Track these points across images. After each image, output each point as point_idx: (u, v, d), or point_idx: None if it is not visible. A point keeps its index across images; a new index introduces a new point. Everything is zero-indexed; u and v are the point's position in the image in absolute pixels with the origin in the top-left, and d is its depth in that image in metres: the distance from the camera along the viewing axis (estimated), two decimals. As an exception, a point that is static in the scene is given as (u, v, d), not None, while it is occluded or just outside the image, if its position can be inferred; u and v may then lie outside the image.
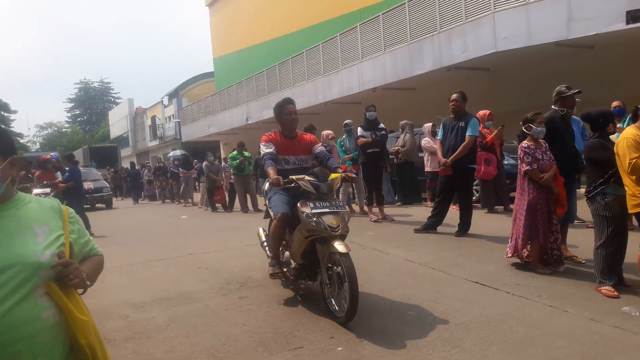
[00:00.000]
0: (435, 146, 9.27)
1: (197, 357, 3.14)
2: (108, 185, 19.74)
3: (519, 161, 4.53)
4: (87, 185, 16.12)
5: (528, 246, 4.61)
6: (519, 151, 4.53)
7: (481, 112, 8.06)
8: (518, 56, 11.45)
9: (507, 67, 12.62)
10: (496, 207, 8.23)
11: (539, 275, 4.38)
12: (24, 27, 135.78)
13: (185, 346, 3.33)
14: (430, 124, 9.67)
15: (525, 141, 4.56)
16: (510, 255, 4.69)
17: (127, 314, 4.12)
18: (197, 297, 4.48)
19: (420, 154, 10.08)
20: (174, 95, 37.40)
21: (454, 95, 6.38)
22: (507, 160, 8.84)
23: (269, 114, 20.47)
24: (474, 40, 11.72)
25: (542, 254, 4.60)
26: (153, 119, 39.67)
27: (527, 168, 4.43)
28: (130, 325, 3.82)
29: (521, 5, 10.60)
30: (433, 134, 9.60)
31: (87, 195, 15.62)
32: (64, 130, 62.07)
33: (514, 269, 4.66)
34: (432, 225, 6.66)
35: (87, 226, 10.37)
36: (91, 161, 30.68)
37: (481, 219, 7.35)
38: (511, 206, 8.16)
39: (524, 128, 4.54)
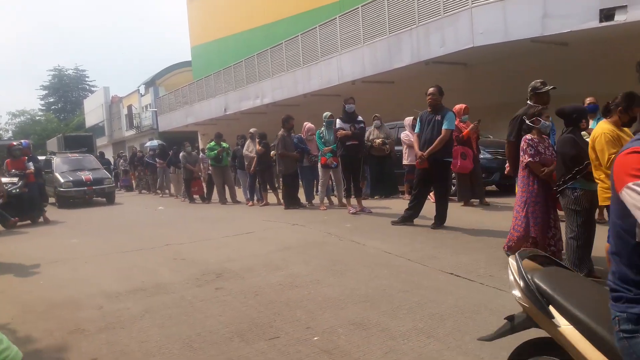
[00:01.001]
0: (411, 139, 9.40)
1: (172, 348, 3.13)
2: (110, 176, 16.57)
3: (521, 153, 4.45)
4: (85, 175, 14.60)
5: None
6: (522, 143, 4.45)
7: (457, 106, 8.15)
8: (495, 52, 11.57)
9: (484, 63, 12.75)
10: (472, 200, 8.35)
11: (512, 267, 4.46)
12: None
13: (160, 336, 3.31)
14: (411, 118, 9.75)
15: (529, 134, 4.54)
16: (506, 248, 4.65)
17: (101, 305, 4.07)
18: (172, 287, 4.45)
19: (398, 147, 10.18)
20: (150, 84, 36.77)
21: (431, 89, 6.43)
22: (483, 155, 8.98)
23: (248, 104, 20.52)
24: (451, 35, 11.80)
25: (538, 248, 4.45)
26: (129, 108, 38.97)
27: (529, 160, 4.36)
28: (105, 316, 3.78)
29: (498, 1, 10.71)
30: (414, 127, 9.70)
31: (86, 188, 14.28)
32: (37, 118, 60.49)
33: (488, 261, 4.74)
34: (409, 218, 6.73)
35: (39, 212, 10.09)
36: (66, 150, 30.02)
37: (457, 212, 7.45)
38: (487, 200, 8.36)
39: (530, 121, 4.50)
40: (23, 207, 9.75)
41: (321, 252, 5.59)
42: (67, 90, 63.91)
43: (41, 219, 10.33)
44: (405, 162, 9.65)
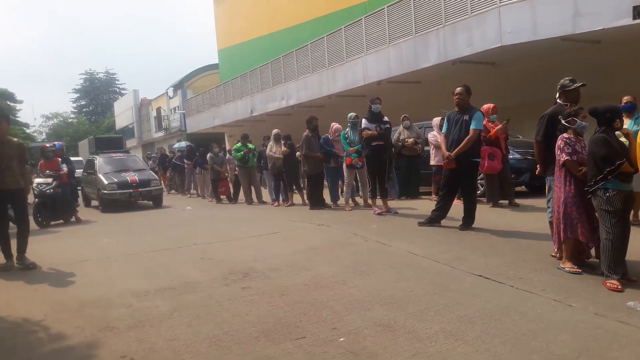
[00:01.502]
0: (438, 140, 9.30)
1: (199, 346, 3.16)
2: (157, 177, 15.03)
3: (558, 151, 4.32)
4: (130, 176, 13.29)
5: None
6: (559, 141, 4.33)
7: (485, 106, 8.03)
8: (523, 50, 11.37)
9: (513, 62, 12.53)
10: (501, 201, 8.21)
11: (543, 270, 4.37)
12: (31, 17, 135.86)
13: (188, 335, 3.35)
14: (439, 118, 9.66)
15: (566, 133, 4.43)
16: (557, 255, 4.54)
17: (131, 303, 4.14)
18: (200, 286, 4.50)
19: (425, 148, 10.11)
20: (178, 86, 37.36)
21: (458, 89, 6.34)
22: (512, 155, 8.82)
23: (273, 105, 20.64)
24: (479, 34, 11.65)
25: (578, 251, 4.39)
26: (158, 110, 39.68)
27: (566, 158, 4.23)
28: (134, 314, 3.84)
29: (527, -1, 10.52)
30: (441, 128, 9.61)
31: (132, 190, 12.95)
32: (69, 120, 62.12)
33: (518, 263, 4.65)
34: (435, 219, 6.65)
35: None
36: (97, 151, 30.73)
37: (485, 213, 7.33)
38: (516, 201, 8.21)
39: (566, 121, 4.37)
40: (56, 207, 10.02)
41: (346, 252, 5.57)
42: (98, 93, 65.47)
43: (73, 219, 10.58)
44: (432, 162, 9.59)
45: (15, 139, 5.97)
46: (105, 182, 12.92)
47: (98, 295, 4.47)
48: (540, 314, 3.38)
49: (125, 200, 13.03)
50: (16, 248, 5.80)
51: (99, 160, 14.13)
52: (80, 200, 13.56)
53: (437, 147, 9.27)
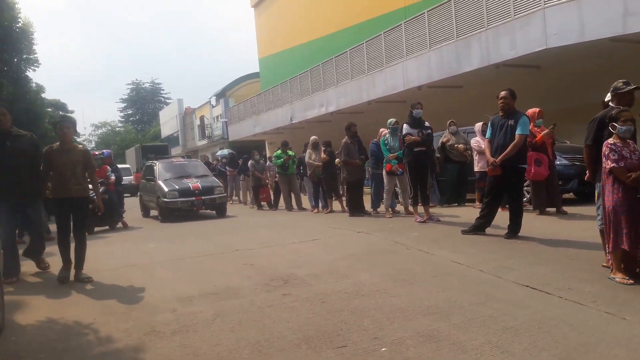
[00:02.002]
0: (482, 146, 9.11)
1: (242, 352, 3.18)
2: (221, 184, 13.71)
3: (604, 159, 4.17)
4: (193, 183, 12.28)
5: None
6: (604, 148, 4.17)
7: (531, 110, 7.79)
8: (570, 53, 11.01)
9: (558, 65, 12.15)
10: (547, 209, 7.94)
11: (594, 280, 4.19)
12: (81, 32, 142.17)
13: (230, 340, 3.38)
14: (481, 123, 9.48)
15: (611, 138, 4.26)
16: (608, 263, 4.32)
17: (175, 308, 4.23)
18: (242, 292, 4.55)
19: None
20: (221, 95, 38.17)
21: (503, 93, 6.19)
22: (560, 161, 8.54)
23: (313, 113, 20.76)
24: (523, 37, 11.37)
25: (628, 261, 4.18)
26: (202, 118, 40.63)
27: (612, 165, 4.06)
28: (179, 319, 3.92)
29: (573, 0, 10.19)
30: (484, 133, 9.41)
31: (194, 198, 11.94)
32: (117, 129, 64.48)
33: (566, 273, 4.47)
34: (480, 227, 6.49)
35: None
36: (143, 159, 31.71)
37: (532, 221, 7.11)
38: (564, 208, 7.92)
39: (610, 127, 4.19)
40: (103, 213, 10.32)
41: (387, 260, 5.52)
42: (144, 103, 67.74)
43: (120, 225, 10.92)
44: (476, 168, 9.38)
45: (80, 146, 6.00)
46: (166, 189, 11.90)
47: (144, 299, 4.59)
48: (592, 327, 3.23)
49: (187, 209, 12.08)
50: (74, 264, 5.52)
51: (158, 166, 13.14)
52: (136, 206, 13.84)
53: (481, 153, 9.10)
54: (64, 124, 5.58)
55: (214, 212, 12.84)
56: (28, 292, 5.19)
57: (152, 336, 3.59)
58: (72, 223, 5.51)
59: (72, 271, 5.55)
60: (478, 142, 9.22)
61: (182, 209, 12.03)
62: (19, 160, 5.45)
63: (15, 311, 4.46)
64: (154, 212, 13.32)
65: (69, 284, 5.45)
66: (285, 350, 3.18)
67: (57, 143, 5.56)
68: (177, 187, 12.03)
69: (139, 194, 14.73)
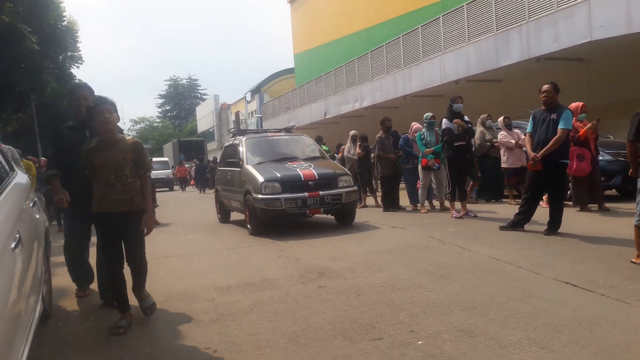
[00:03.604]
0: (511, 141, 8.92)
1: (278, 341, 3.24)
2: (347, 171, 8.50)
3: None
4: (303, 169, 7.67)
5: None
6: None
7: (574, 104, 7.56)
8: (616, 45, 10.64)
9: (603, 57, 11.76)
10: (590, 205, 7.71)
11: (637, 278, 4.05)
12: (125, 29, 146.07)
13: (267, 330, 3.44)
14: (502, 117, 9.29)
15: None
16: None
17: (213, 297, 4.33)
18: (278, 283, 4.62)
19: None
20: (256, 91, 38.64)
21: (546, 86, 6.03)
22: (603, 156, 8.27)
23: (347, 108, 20.76)
24: (566, 29, 11.04)
25: None
26: (237, 114, 41.23)
27: None
28: (217, 308, 4.02)
29: (621, -10, 9.84)
30: (508, 127, 9.21)
31: (307, 195, 7.18)
32: (155, 124, 66.05)
33: (609, 270, 4.35)
34: (519, 223, 6.36)
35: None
36: (180, 154, 32.45)
37: (573, 218, 6.92)
38: (606, 205, 7.67)
39: None
40: None
41: (423, 255, 5.48)
42: (181, 99, 69.14)
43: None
44: (504, 165, 9.15)
45: (130, 137, 4.01)
46: (260, 178, 7.38)
47: (183, 289, 4.72)
48: (635, 326, 3.13)
49: (296, 213, 7.42)
50: (132, 287, 3.88)
51: (246, 144, 8.53)
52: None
53: (509, 148, 8.94)
54: (103, 107, 3.66)
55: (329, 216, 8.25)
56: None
57: (191, 324, 3.69)
58: (124, 247, 3.78)
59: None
60: (506, 136, 9.04)
61: (287, 214, 7.35)
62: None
63: (62, 298, 4.67)
64: (236, 216, 9.46)
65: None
66: (322, 340, 3.21)
67: (96, 139, 3.75)
68: (278, 174, 7.41)
69: (214, 189, 10.77)
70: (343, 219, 8.12)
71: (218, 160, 11.19)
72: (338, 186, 7.64)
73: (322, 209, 7.55)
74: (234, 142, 9.18)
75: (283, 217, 7.48)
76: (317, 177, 7.51)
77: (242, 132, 9.69)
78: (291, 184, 7.38)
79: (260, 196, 7.27)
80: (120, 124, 3.96)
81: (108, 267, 3.84)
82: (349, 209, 7.93)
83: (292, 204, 7.27)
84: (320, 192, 7.39)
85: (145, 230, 3.78)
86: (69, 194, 4.12)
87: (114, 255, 3.76)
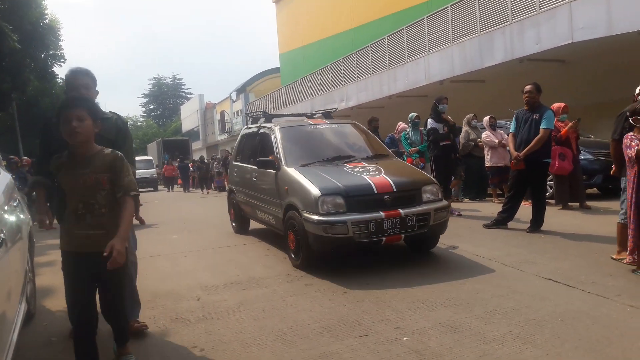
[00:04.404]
0: (494, 140, 9.04)
1: (265, 339, 3.25)
2: (431, 179, 5.25)
3: (625, 149, 4.09)
4: (372, 175, 5.01)
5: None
6: (625, 140, 4.09)
7: (556, 105, 7.70)
8: (597, 47, 10.82)
9: (584, 59, 11.96)
10: (571, 203, 7.85)
11: (617, 274, 4.15)
12: (107, 30, 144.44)
13: (254, 328, 3.46)
14: (488, 117, 9.40)
15: (632, 132, 4.14)
16: (629, 260, 4.25)
17: (199, 296, 4.33)
18: (265, 282, 4.63)
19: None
20: (241, 90, 38.45)
21: (528, 87, 6.13)
22: (584, 155, 8.42)
23: (333, 107, 20.72)
24: (548, 31, 11.22)
25: None
26: (222, 113, 41.01)
27: (638, 148, 3.94)
28: (203, 307, 4.01)
29: (601, -8, 10.02)
30: (492, 127, 9.34)
31: (383, 215, 4.42)
32: (139, 124, 65.39)
33: (590, 267, 4.44)
34: (502, 221, 6.46)
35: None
36: (164, 153, 32.18)
37: (555, 215, 7.05)
38: (587, 203, 7.82)
39: (632, 120, 4.11)
40: None
41: (409, 254, 5.53)
42: (165, 98, 68.55)
43: (136, 222, 10.94)
44: (488, 164, 9.27)
45: (109, 150, 2.74)
46: (315, 191, 4.82)
47: (169, 288, 4.70)
48: (615, 320, 3.22)
49: (367, 243, 4.73)
50: (114, 336, 3.08)
51: (281, 135, 6.00)
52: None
53: (492, 147, 9.07)
54: (70, 113, 2.58)
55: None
56: (59, 279, 5.34)
57: (178, 323, 3.69)
58: (99, 293, 2.85)
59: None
60: (489, 136, 9.15)
61: (355, 243, 4.70)
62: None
63: (46, 297, 4.62)
64: (255, 225, 7.51)
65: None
66: (308, 337, 3.23)
67: (66, 152, 2.73)
68: (340, 184, 4.88)
69: (227, 188, 9.07)
70: (424, 246, 5.51)
71: (232, 153, 8.56)
72: (423, 200, 5.02)
73: (402, 235, 4.85)
74: (260, 130, 6.64)
75: (348, 247, 4.83)
76: (394, 189, 4.86)
77: (269, 116, 7.11)
78: (359, 198, 4.78)
79: (315, 217, 4.68)
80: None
81: (76, 328, 2.79)
82: (436, 234, 5.30)
83: (361, 229, 4.65)
84: (401, 211, 4.78)
85: (110, 261, 2.46)
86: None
87: (85, 310, 2.73)
